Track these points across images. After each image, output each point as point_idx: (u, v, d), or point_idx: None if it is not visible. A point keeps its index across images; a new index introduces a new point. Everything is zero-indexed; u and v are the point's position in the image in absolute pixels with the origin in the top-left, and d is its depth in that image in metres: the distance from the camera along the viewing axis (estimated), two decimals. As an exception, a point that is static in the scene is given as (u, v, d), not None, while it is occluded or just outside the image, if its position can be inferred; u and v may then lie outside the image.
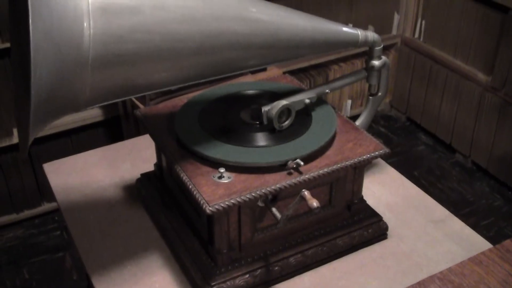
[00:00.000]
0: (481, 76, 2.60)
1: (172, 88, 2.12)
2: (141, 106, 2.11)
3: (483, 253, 0.91)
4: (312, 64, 2.75)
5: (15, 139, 2.27)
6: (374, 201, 1.24)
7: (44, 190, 2.45)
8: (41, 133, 2.31)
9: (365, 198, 1.17)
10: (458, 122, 2.77)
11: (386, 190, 1.31)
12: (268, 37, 0.99)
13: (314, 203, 0.91)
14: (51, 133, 2.34)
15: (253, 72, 2.27)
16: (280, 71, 2.50)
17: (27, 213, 2.46)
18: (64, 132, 2.40)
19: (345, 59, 2.86)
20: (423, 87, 2.92)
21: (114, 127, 2.52)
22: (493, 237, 2.37)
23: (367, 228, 1.13)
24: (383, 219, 1.16)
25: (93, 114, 2.41)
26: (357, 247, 1.14)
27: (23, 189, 2.41)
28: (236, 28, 0.94)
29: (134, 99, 2.18)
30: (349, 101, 2.95)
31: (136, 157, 1.42)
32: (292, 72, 2.72)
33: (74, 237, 1.19)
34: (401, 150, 2.91)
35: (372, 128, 3.07)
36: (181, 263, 1.10)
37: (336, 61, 2.85)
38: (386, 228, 1.16)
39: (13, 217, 2.44)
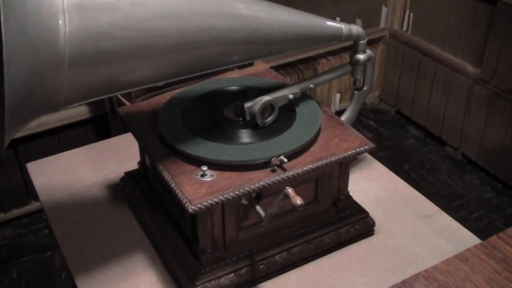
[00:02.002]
0: (470, 69, 2.60)
1: (159, 84, 2.11)
2: (127, 103, 2.09)
3: (469, 250, 0.90)
4: (300, 58, 2.74)
5: (0, 138, 2.24)
6: (361, 197, 1.23)
7: (31, 189, 2.42)
8: (28, 132, 2.29)
9: (352, 194, 1.16)
10: (447, 114, 2.76)
11: (373, 185, 1.29)
12: (250, 32, 0.97)
13: (298, 201, 0.90)
14: (37, 131, 2.32)
15: (240, 67, 2.25)
16: (267, 66, 2.48)
17: (15, 212, 2.44)
18: (51, 130, 2.38)
19: (333, 53, 2.85)
20: (412, 80, 2.91)
21: (101, 125, 2.50)
22: (484, 230, 2.37)
23: (354, 225, 1.12)
24: (370, 215, 1.15)
25: (79, 111, 2.38)
26: (344, 243, 1.12)
27: (10, 188, 2.38)
28: (218, 23, 0.92)
29: (120, 96, 2.16)
30: (338, 95, 2.94)
31: (121, 155, 1.40)
32: (280, 67, 2.70)
33: (58, 237, 1.18)
34: (391, 144, 2.91)
35: (361, 121, 3.06)
36: (166, 263, 1.08)
37: (324, 55, 2.84)
38: (373, 224, 1.15)
39: (0, 216, 2.41)
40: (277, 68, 2.69)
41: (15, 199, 2.42)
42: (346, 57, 2.85)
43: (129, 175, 1.26)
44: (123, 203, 1.24)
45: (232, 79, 1.22)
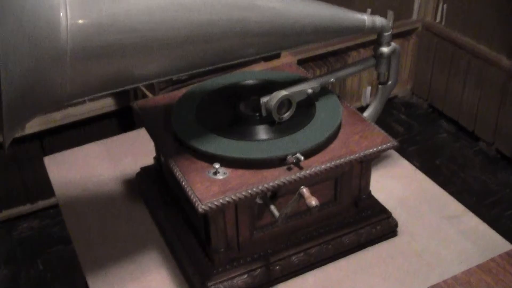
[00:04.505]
0: (505, 61, 2.50)
1: (182, 77, 2.07)
2: (150, 95, 2.07)
3: (493, 259, 0.84)
4: (330, 50, 2.67)
5: (26, 130, 2.24)
6: (384, 196, 1.17)
7: (57, 181, 2.43)
8: (53, 124, 2.30)
9: (375, 192, 1.11)
10: (481, 109, 2.67)
11: (398, 183, 1.24)
12: (266, 24, 0.93)
13: (313, 202, 0.85)
14: (63, 124, 2.32)
15: (265, 59, 2.21)
16: (295, 58, 2.43)
17: (41, 203, 2.44)
18: (76, 123, 2.37)
19: (364, 45, 2.78)
20: (445, 73, 2.83)
21: (126, 117, 2.48)
22: (518, 229, 2.29)
23: (375, 225, 1.07)
24: (393, 215, 1.10)
25: (104, 104, 2.37)
26: (365, 245, 1.07)
27: (37, 179, 2.39)
28: (230, 15, 0.88)
29: (143, 89, 2.13)
30: (369, 88, 2.87)
31: (138, 149, 1.37)
32: (309, 59, 2.65)
33: (71, 233, 1.16)
34: (422, 138, 2.83)
35: (392, 115, 2.98)
36: (179, 261, 1.05)
37: (355, 47, 2.77)
38: (396, 225, 1.10)
39: (28, 207, 2.42)
40: (306, 61, 2.64)
41: (41, 191, 2.42)
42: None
43: (145, 170, 1.23)
44: (139, 199, 1.21)
45: (251, 73, 1.18)
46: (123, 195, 1.24)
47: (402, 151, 2.75)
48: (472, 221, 1.14)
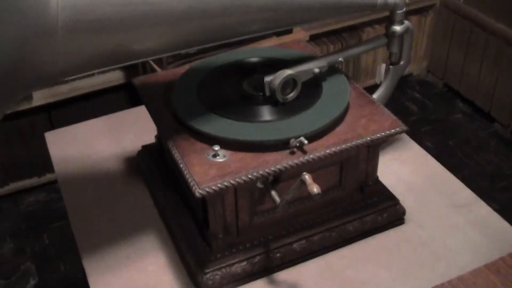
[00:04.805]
0: (525, 41, 2.43)
1: (191, 51, 2.03)
2: (158, 69, 2.02)
3: (502, 259, 0.79)
4: (344, 26, 2.60)
5: (34, 103, 2.21)
6: (392, 181, 1.13)
7: (64, 154, 2.40)
8: (61, 97, 2.26)
9: (382, 176, 1.07)
10: (498, 89, 2.60)
11: (407, 168, 1.19)
12: (270, -1, 0.88)
13: (315, 189, 0.81)
14: (70, 97, 2.29)
15: (277, 34, 2.15)
16: (307, 34, 2.37)
17: (48, 176, 2.42)
18: (84, 96, 2.34)
19: (379, 21, 2.70)
20: (462, 51, 2.75)
21: (135, 91, 2.44)
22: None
23: (381, 213, 1.03)
24: (401, 202, 1.06)
25: (112, 77, 2.33)
26: (370, 233, 1.03)
27: (44, 152, 2.36)
28: (233, -11, 0.83)
29: (152, 62, 2.09)
30: (384, 65, 2.78)
31: (141, 126, 1.33)
32: (322, 34, 2.58)
33: (69, 211, 1.13)
34: (436, 118, 2.77)
35: (406, 93, 2.92)
36: (177, 245, 1.02)
37: (370, 23, 2.70)
38: (403, 213, 1.05)
39: (34, 181, 2.40)
40: (319, 36, 2.57)
41: (48, 164, 2.39)
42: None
43: (146, 148, 1.19)
44: (139, 178, 1.18)
45: (256, 50, 1.14)
46: (124, 173, 1.20)
47: (415, 131, 2.71)
48: (482, 210, 1.10)
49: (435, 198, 1.12)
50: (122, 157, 1.24)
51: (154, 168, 1.14)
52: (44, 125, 2.32)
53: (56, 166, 1.24)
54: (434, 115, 2.79)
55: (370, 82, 2.83)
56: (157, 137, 1.16)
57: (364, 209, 1.02)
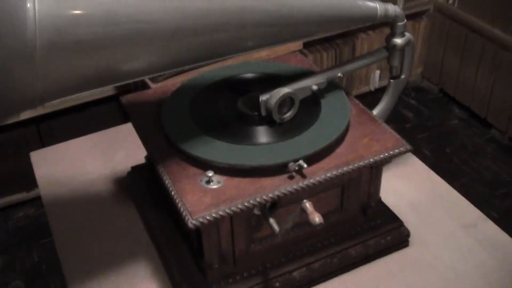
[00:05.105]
0: (521, 46, 2.39)
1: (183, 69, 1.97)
2: (149, 82, 1.97)
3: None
4: (337, 32, 2.55)
5: (22, 116, 2.15)
6: (395, 199, 1.08)
7: (53, 169, 2.34)
8: (50, 109, 2.20)
9: (384, 195, 1.02)
10: (494, 95, 2.56)
11: (409, 185, 1.14)
12: (266, 14, 0.82)
13: (316, 218, 0.76)
14: (60, 109, 2.23)
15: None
16: (300, 42, 2.32)
17: (37, 191, 2.35)
18: (74, 108, 2.28)
19: (373, 27, 2.66)
20: (457, 57, 2.71)
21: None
22: (531, 222, 2.19)
23: (385, 236, 0.98)
24: (405, 221, 1.01)
25: (103, 88, 2.26)
26: (373, 257, 0.98)
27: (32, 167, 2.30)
28: (225, 4, 0.78)
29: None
30: (378, 72, 2.76)
31: (131, 144, 1.26)
32: (316, 42, 2.53)
33: (55, 236, 1.07)
34: (432, 124, 2.72)
35: (402, 100, 2.87)
36: (170, 274, 0.96)
37: (363, 29, 2.65)
38: (408, 235, 1.00)
39: (24, 195, 2.34)
40: (312, 43, 2.53)
41: (37, 178, 2.34)
42: (387, 31, 2.66)
43: (136, 169, 1.14)
44: (129, 201, 1.12)
45: (251, 65, 1.08)
46: (113, 195, 1.14)
47: (412, 138, 2.66)
48: (490, 229, 1.05)
49: (440, 217, 1.07)
50: (112, 178, 1.19)
51: (145, 189, 1.08)
52: (33, 138, 2.26)
53: (41, 189, 1.18)
54: (430, 122, 2.75)
55: (364, 89, 2.79)
56: (147, 157, 1.10)
57: (367, 232, 0.97)
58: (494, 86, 2.55)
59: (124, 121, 1.30)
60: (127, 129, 1.33)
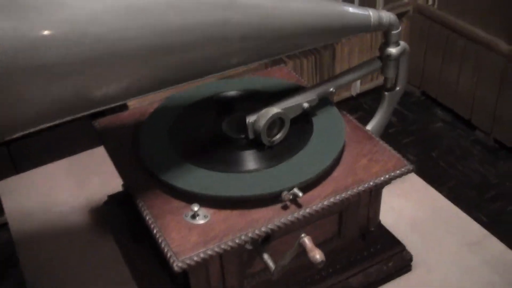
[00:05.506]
0: (503, 46, 2.34)
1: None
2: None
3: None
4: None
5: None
6: (393, 219, 1.01)
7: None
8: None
9: (382, 215, 0.94)
10: (478, 96, 2.51)
11: (408, 203, 1.07)
12: (251, 26, 0.75)
13: (317, 256, 0.68)
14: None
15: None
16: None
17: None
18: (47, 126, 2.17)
19: (353, 31, 2.60)
20: (438, 58, 2.66)
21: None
22: (523, 225, 2.14)
23: (386, 262, 0.90)
24: (405, 242, 0.94)
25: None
26: (375, 284, 0.91)
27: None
28: (205, 19, 0.70)
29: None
30: (358, 77, 2.69)
31: (108, 169, 1.17)
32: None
33: (26, 277, 0.98)
34: (416, 128, 2.67)
35: (384, 104, 2.81)
36: (155, 316, 0.87)
37: (342, 34, 2.59)
38: (410, 259, 0.93)
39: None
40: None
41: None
42: (367, 36, 2.60)
43: (113, 198, 1.05)
44: (107, 233, 1.03)
45: (236, 82, 1.00)
46: (89, 228, 1.05)
47: (396, 143, 2.60)
48: (496, 247, 0.98)
49: (443, 236, 1.00)
50: (87, 208, 1.10)
51: (123, 220, 1.00)
52: (3, 159, 2.15)
53: (11, 223, 1.09)
54: (414, 126, 2.69)
55: (345, 95, 2.72)
56: (124, 186, 1.01)
57: (367, 259, 0.90)
58: (477, 87, 2.51)
59: (100, 140, 1.22)
60: (102, 152, 1.24)
